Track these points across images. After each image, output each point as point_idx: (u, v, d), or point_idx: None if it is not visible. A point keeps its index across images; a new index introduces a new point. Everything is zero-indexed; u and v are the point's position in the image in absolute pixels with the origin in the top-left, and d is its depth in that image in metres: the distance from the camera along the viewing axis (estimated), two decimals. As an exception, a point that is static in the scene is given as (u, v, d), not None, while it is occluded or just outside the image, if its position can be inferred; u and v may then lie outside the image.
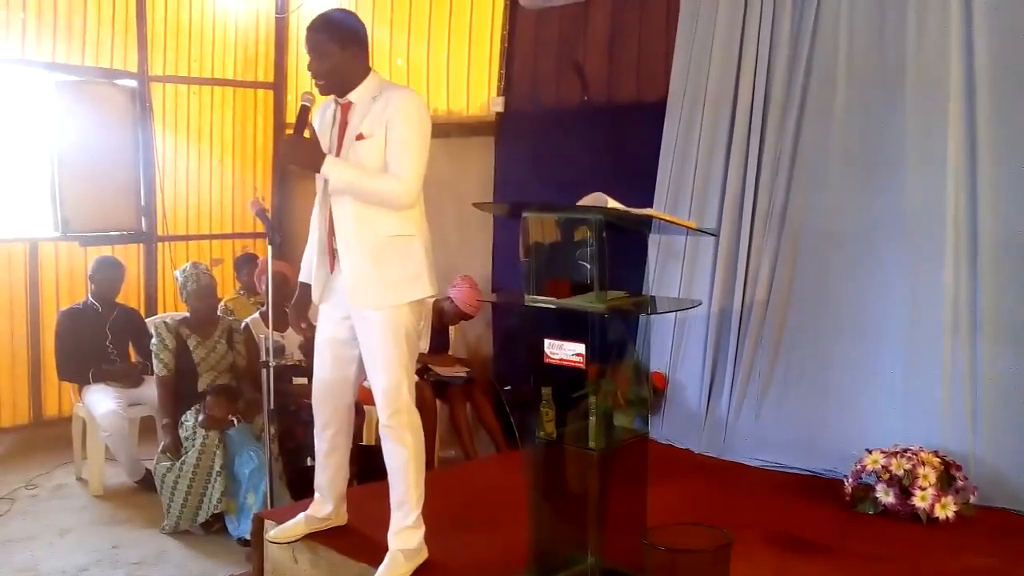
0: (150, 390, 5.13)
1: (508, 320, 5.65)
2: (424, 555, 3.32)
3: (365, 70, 3.24)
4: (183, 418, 4.64)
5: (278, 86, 7.67)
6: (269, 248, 4.12)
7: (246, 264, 6.23)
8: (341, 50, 3.16)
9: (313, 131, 3.35)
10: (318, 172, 3.19)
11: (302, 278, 3.53)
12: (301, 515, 3.59)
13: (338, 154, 3.23)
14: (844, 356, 4.37)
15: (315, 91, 3.30)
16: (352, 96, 3.23)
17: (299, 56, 7.60)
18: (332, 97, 3.31)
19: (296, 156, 3.21)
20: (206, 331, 4.88)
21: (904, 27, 4.24)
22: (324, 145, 3.27)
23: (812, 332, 4.49)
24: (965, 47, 4.05)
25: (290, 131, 3.24)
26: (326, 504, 3.60)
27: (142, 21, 6.80)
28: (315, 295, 3.42)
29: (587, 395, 2.95)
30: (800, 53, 4.56)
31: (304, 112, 3.18)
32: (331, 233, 3.29)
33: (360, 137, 3.18)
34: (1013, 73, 3.95)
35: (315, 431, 3.57)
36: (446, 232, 6.40)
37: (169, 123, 7.06)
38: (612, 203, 2.79)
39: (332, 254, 3.31)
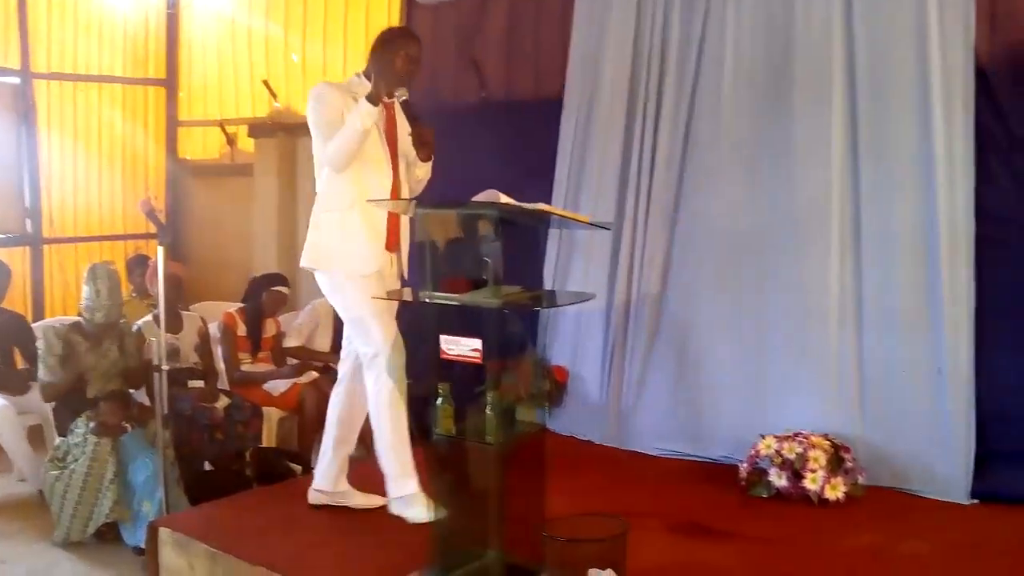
0: (38, 398, 4.95)
1: (410, 317, 5.62)
2: None
3: None
4: (73, 425, 4.49)
5: (170, 83, 7.49)
6: (160, 249, 4.01)
7: (138, 266, 6.07)
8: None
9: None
10: (430, 160, 3.68)
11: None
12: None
13: (396, 148, 3.65)
14: (738, 346, 4.48)
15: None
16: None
17: (191, 52, 7.44)
18: (350, 91, 3.60)
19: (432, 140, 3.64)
20: (99, 335, 4.71)
21: (791, 24, 4.36)
22: (366, 138, 3.52)
23: (707, 323, 4.59)
24: (846, 45, 4.19)
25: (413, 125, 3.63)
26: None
27: (24, 15, 6.56)
28: (372, 267, 3.61)
29: (486, 390, 2.97)
30: (690, 49, 4.65)
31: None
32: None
33: (410, 134, 3.63)
34: (891, 71, 4.10)
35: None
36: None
37: (55, 122, 6.83)
38: (505, 199, 2.80)
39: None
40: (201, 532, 3.56)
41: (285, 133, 6.66)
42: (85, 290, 4.64)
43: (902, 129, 4.09)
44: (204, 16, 7.25)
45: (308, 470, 4.92)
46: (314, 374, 5.32)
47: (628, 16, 4.88)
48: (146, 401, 4.69)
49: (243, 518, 3.77)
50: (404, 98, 3.57)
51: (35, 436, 5.27)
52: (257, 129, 6.83)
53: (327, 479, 3.82)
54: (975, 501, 3.83)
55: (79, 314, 4.73)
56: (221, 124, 7.29)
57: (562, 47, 5.21)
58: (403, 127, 3.67)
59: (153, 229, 4.21)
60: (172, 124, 7.54)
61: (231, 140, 7.25)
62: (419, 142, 3.62)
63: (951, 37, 3.94)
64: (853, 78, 4.19)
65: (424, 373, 3.14)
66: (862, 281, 4.18)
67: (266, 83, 6.80)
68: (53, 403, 4.67)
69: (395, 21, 6.08)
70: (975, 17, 3.91)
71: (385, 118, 3.63)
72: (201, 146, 7.59)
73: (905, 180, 4.09)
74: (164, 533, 3.62)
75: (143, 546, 3.89)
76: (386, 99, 3.56)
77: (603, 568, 2.77)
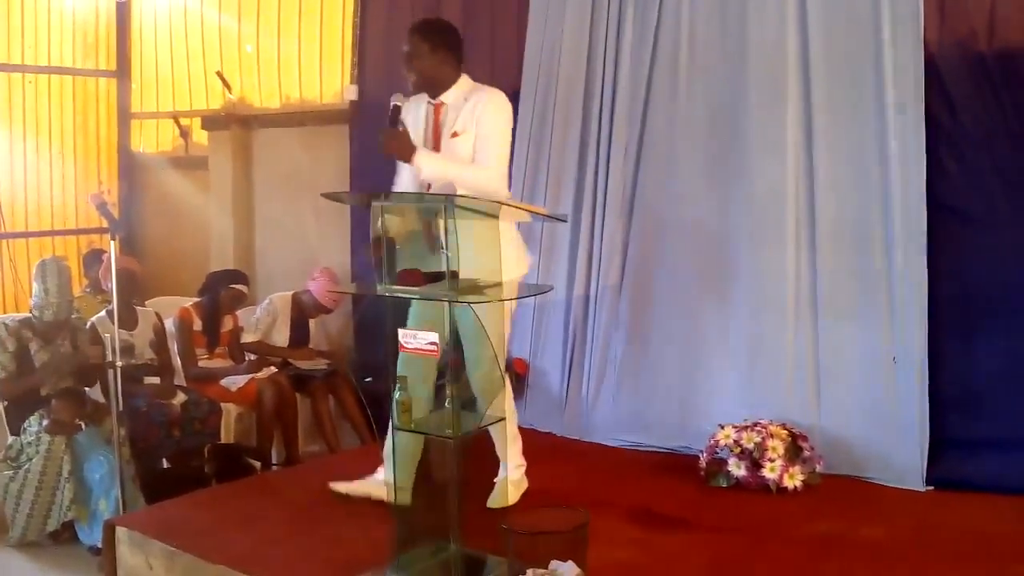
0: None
1: (367, 311, 5.59)
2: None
3: (455, 73, 3.57)
4: (26, 423, 4.41)
5: (121, 74, 7.37)
6: (112, 243, 3.95)
7: (95, 261, 5.98)
8: (431, 52, 3.51)
9: (404, 126, 3.52)
10: (409, 162, 3.45)
11: None
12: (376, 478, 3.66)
13: (435, 151, 3.51)
14: (696, 337, 4.51)
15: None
16: (444, 97, 3.55)
17: (143, 43, 7.33)
18: (423, 97, 3.59)
19: (393, 145, 3.44)
20: (51, 333, 4.62)
21: (745, 16, 4.38)
22: (417, 142, 3.48)
23: (664, 314, 4.61)
24: (800, 36, 4.21)
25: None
26: None
27: (-31, 6, 6.44)
28: None
29: (446, 383, 2.96)
30: (645, 41, 4.65)
31: (396, 111, 3.43)
32: None
33: (455, 135, 3.49)
34: (844, 61, 4.13)
35: None
36: (303, 223, 6.31)
37: (3, 114, 6.71)
38: (461, 190, 2.80)
39: None
40: (158, 530, 3.51)
41: (239, 125, 6.59)
42: (34, 287, 4.56)
43: (855, 120, 4.12)
44: (156, 5, 7.14)
45: (267, 466, 4.90)
46: (272, 369, 5.29)
47: (583, 7, 4.87)
48: (101, 398, 4.62)
49: (201, 515, 3.72)
50: (394, 104, 3.44)
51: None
52: (211, 121, 6.75)
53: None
54: (930, 488, 3.88)
55: (30, 311, 4.64)
56: (175, 116, 7.19)
57: (518, 39, 5.19)
58: (449, 129, 3.53)
59: (107, 223, 4.14)
60: (124, 116, 7.42)
61: (185, 133, 7.17)
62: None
63: (901, 27, 3.97)
64: (807, 70, 4.21)
65: (384, 367, 3.13)
66: (817, 271, 4.21)
67: (220, 75, 6.72)
68: (5, 402, 4.59)
69: (349, 12, 6.04)
70: (924, 8, 3.94)
71: (431, 122, 3.59)
72: (155, 139, 7.49)
73: (858, 170, 4.12)
74: (121, 532, 3.56)
75: (99, 545, 3.83)
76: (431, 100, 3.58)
77: (564, 560, 2.78)
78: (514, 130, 4.33)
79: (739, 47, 4.39)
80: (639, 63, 4.68)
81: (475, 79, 4.83)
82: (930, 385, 3.95)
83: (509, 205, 3.01)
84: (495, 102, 3.53)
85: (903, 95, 3.97)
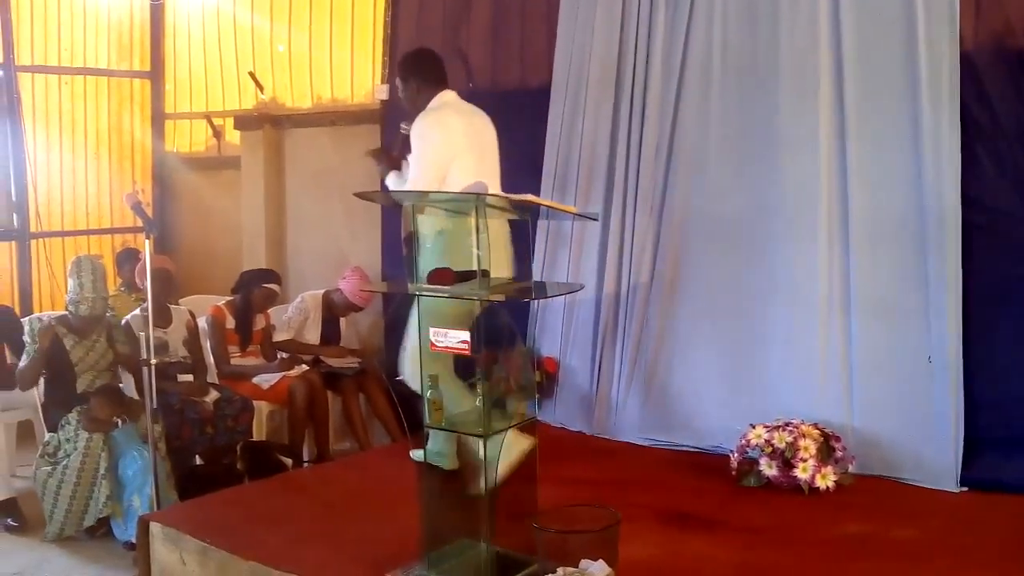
0: (27, 392, 4.92)
1: (397, 310, 5.61)
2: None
3: (428, 98, 3.93)
4: (63, 420, 4.47)
5: (155, 75, 7.44)
6: (147, 243, 4.00)
7: (128, 260, 6.04)
8: (404, 85, 4.03)
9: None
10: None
11: None
12: None
13: None
14: (727, 335, 4.48)
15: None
16: None
17: (176, 44, 7.41)
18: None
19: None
20: (86, 329, 4.68)
21: (776, 11, 4.35)
22: None
23: (695, 313, 4.59)
24: (833, 31, 4.17)
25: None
26: None
27: (6, 7, 6.51)
28: None
29: (476, 382, 2.96)
30: (677, 38, 4.64)
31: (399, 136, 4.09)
32: None
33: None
34: (877, 56, 4.08)
35: None
36: (334, 222, 6.34)
37: (40, 115, 6.79)
38: (492, 190, 2.80)
39: None
40: (192, 526, 3.55)
41: (272, 125, 6.63)
42: (69, 283, 4.63)
43: (889, 116, 4.08)
44: (189, 7, 7.20)
45: (298, 463, 4.93)
46: (304, 367, 5.32)
47: (614, 6, 4.86)
48: (135, 395, 4.68)
49: (233, 512, 3.76)
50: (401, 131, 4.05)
51: (26, 433, 5.25)
52: (243, 121, 6.80)
53: None
54: (964, 489, 3.83)
55: (66, 308, 4.70)
56: (208, 117, 7.26)
57: (548, 36, 5.19)
58: None
59: (141, 222, 4.19)
60: (158, 117, 7.50)
61: (218, 133, 7.23)
62: None
63: (937, 23, 3.92)
64: (840, 66, 4.17)
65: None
66: (850, 269, 4.17)
67: (252, 75, 6.77)
68: (42, 399, 4.65)
69: (381, 11, 6.06)
70: (960, 4, 3.89)
71: None
72: (188, 139, 7.56)
73: (893, 167, 4.08)
74: (155, 527, 3.60)
75: (133, 540, 3.88)
76: None
77: (594, 559, 2.77)
78: (546, 129, 4.39)
79: (771, 43, 4.36)
80: (670, 59, 4.66)
81: (505, 78, 5.01)
82: (965, 385, 3.90)
83: (542, 203, 3.00)
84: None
85: (938, 91, 3.92)
